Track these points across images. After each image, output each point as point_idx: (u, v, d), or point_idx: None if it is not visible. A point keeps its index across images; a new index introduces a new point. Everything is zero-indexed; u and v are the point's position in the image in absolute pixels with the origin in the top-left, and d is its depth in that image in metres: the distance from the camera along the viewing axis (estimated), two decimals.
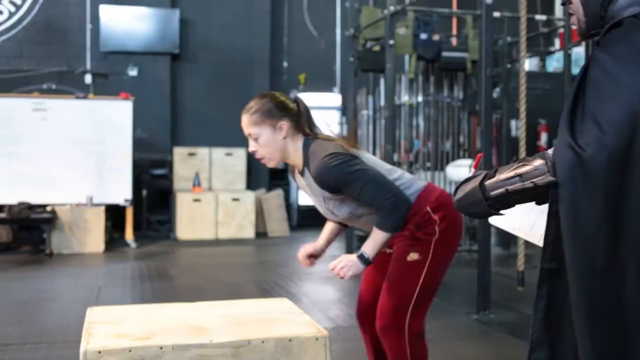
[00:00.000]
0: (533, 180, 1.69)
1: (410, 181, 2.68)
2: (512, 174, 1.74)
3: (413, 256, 2.60)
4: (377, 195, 2.53)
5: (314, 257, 2.90)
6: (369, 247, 2.57)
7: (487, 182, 1.78)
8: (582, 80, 1.68)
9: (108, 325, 2.48)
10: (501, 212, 1.81)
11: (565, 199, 1.61)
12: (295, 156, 2.65)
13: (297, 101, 2.72)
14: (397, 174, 2.68)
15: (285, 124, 2.61)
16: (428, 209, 2.62)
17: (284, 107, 2.64)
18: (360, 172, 2.54)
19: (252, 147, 2.66)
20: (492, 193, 1.76)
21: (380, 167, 2.66)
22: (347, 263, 2.60)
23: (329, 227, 2.92)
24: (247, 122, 2.64)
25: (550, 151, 1.74)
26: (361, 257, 2.58)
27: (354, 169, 2.54)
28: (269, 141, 2.62)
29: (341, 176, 2.53)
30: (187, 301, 3.08)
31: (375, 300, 2.74)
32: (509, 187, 1.73)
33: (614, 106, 1.55)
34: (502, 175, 1.76)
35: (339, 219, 2.73)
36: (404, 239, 2.62)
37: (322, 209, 2.75)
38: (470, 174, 1.89)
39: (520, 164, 1.75)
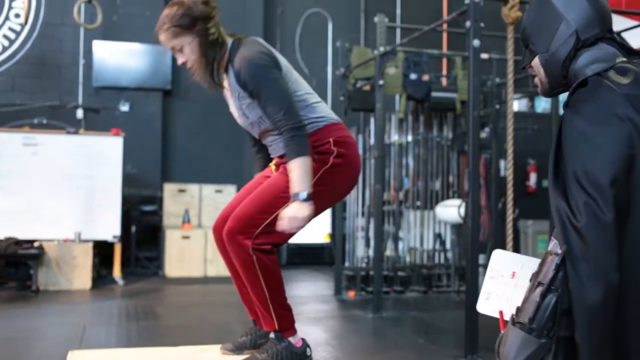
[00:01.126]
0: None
1: (322, 110, 2.70)
2: (537, 296, 1.62)
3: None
4: (276, 112, 2.51)
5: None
6: (296, 184, 2.49)
7: (523, 320, 1.63)
8: (558, 141, 1.68)
9: None
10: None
11: (572, 277, 1.56)
12: (220, 55, 2.65)
13: (206, 2, 2.67)
14: (315, 100, 2.72)
15: (202, 26, 2.62)
16: (331, 140, 2.64)
17: (192, 11, 2.64)
18: (274, 82, 2.54)
19: (180, 59, 2.66)
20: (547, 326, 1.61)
21: (301, 86, 2.71)
22: (289, 215, 2.51)
23: (257, 162, 3.05)
24: (164, 38, 2.65)
25: (551, 245, 1.67)
26: (296, 198, 2.49)
27: (271, 76, 2.54)
28: (194, 48, 2.62)
29: (257, 77, 2.54)
30: (174, 342, 3.05)
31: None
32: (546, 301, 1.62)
33: (595, 167, 1.55)
34: (531, 307, 1.63)
35: (250, 122, 2.72)
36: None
37: (237, 112, 2.76)
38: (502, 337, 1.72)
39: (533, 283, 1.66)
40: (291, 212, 2.51)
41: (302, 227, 2.54)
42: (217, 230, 2.78)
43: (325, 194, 2.64)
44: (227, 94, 2.76)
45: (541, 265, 1.66)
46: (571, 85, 1.73)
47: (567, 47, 1.75)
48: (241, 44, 2.67)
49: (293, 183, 2.50)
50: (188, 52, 2.62)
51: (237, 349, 2.83)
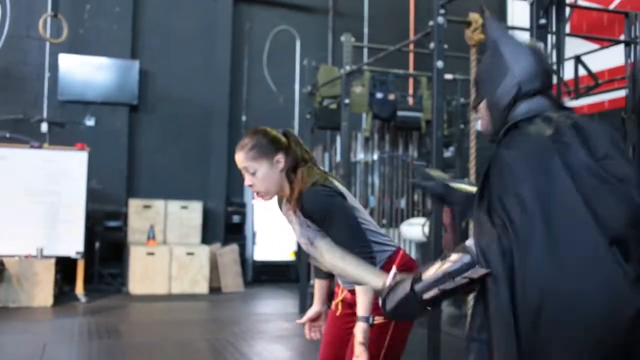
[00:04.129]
0: (466, 275, 1.79)
1: (385, 240, 2.69)
2: (440, 273, 1.83)
3: (378, 319, 2.51)
4: (348, 243, 2.44)
5: (316, 321, 2.92)
6: (362, 309, 2.49)
7: (417, 287, 1.85)
8: (487, 170, 1.89)
9: None
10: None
11: (495, 287, 1.75)
12: (290, 191, 2.66)
13: (286, 134, 2.72)
14: (374, 227, 2.68)
15: (281, 158, 2.63)
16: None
17: (276, 141, 2.66)
18: (343, 212, 2.55)
19: (249, 181, 2.65)
20: (426, 296, 1.83)
21: (362, 213, 2.67)
22: (361, 341, 2.46)
23: (318, 285, 2.94)
24: (243, 157, 2.63)
25: (469, 242, 1.84)
26: (363, 321, 2.47)
27: (337, 206, 2.56)
28: (266, 175, 2.62)
29: (324, 208, 2.55)
30: None
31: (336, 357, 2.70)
32: (442, 287, 1.82)
33: (515, 199, 1.76)
34: (430, 277, 1.85)
35: (315, 250, 2.56)
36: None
37: (302, 239, 2.71)
38: (391, 280, 1.94)
39: (443, 261, 1.85)
40: (360, 340, 2.45)
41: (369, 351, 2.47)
42: None
43: (406, 326, 2.69)
44: (291, 217, 2.73)
45: (455, 252, 1.86)
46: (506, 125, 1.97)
47: (509, 96, 1.98)
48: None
49: (359, 306, 2.51)
50: (260, 177, 2.63)
51: None
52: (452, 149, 8.40)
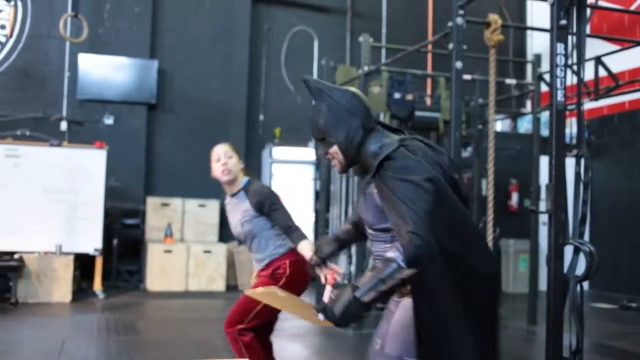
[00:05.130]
0: (395, 277, 2.22)
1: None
2: (375, 280, 2.23)
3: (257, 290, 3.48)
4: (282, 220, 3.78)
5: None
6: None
7: (358, 293, 2.23)
8: (385, 190, 2.36)
9: None
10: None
11: (419, 281, 2.27)
12: (236, 183, 3.91)
13: None
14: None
15: (242, 164, 3.97)
16: (288, 262, 3.81)
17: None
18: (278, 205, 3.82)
19: (223, 161, 3.84)
20: (366, 299, 2.23)
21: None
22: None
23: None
24: (228, 146, 3.92)
25: (390, 254, 2.25)
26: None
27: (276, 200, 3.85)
28: (235, 164, 3.89)
29: (268, 197, 3.80)
30: (154, 357, 3.05)
31: None
32: (380, 289, 2.22)
33: (416, 197, 2.29)
34: (366, 283, 2.24)
35: (242, 231, 3.84)
36: (262, 278, 3.82)
37: (235, 220, 3.87)
38: (328, 296, 2.45)
39: (374, 271, 2.26)
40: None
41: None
42: None
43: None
44: (230, 207, 3.96)
45: (382, 263, 2.26)
46: (364, 161, 2.48)
47: (359, 135, 2.48)
48: (252, 182, 3.94)
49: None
50: (231, 163, 3.90)
51: None
52: (470, 149, 8.37)
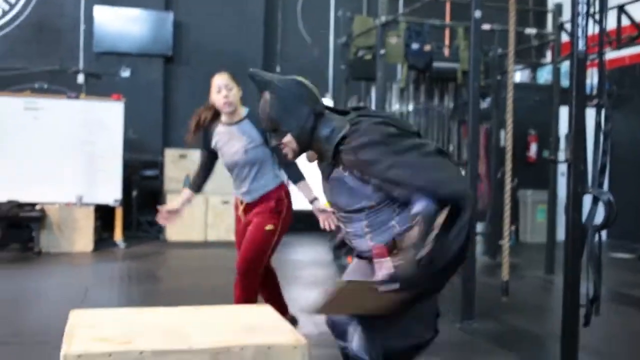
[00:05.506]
0: (438, 220, 2.37)
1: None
2: (424, 233, 2.35)
3: (270, 227, 3.82)
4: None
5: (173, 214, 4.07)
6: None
7: (419, 252, 2.32)
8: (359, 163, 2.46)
9: (90, 328, 2.51)
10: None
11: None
12: (237, 113, 3.88)
13: None
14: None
15: (241, 92, 3.90)
16: (283, 194, 3.88)
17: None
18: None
19: (225, 93, 3.79)
20: (425, 252, 2.34)
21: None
22: (326, 212, 3.88)
23: (187, 194, 4.15)
24: (228, 77, 3.86)
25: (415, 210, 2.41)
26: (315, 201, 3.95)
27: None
28: (236, 95, 3.83)
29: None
30: (173, 304, 3.10)
31: None
32: (431, 239, 2.33)
33: (399, 159, 2.43)
34: (419, 240, 2.34)
35: (243, 158, 3.83)
36: (265, 214, 3.82)
37: (235, 148, 3.83)
38: (384, 266, 2.46)
39: (417, 224, 2.38)
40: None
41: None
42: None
43: (282, 234, 3.92)
44: (233, 135, 3.89)
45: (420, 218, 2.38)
46: (318, 146, 2.57)
47: (311, 122, 2.56)
48: (251, 111, 3.93)
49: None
50: (232, 94, 3.87)
51: None
52: (488, 99, 8.30)
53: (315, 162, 2.69)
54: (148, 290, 6.13)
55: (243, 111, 3.92)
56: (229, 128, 3.89)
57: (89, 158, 8.42)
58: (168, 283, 6.58)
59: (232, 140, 3.86)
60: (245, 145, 3.81)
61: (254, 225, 3.85)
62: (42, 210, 7.86)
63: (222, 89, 3.81)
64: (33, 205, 7.93)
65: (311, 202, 3.89)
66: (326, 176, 2.62)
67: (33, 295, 5.76)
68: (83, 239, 7.98)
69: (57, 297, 5.75)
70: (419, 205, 2.37)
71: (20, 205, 7.84)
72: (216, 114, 3.95)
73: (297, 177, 3.88)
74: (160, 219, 4.03)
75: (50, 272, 6.83)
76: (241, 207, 3.99)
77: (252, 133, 3.83)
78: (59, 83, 9.50)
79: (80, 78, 9.63)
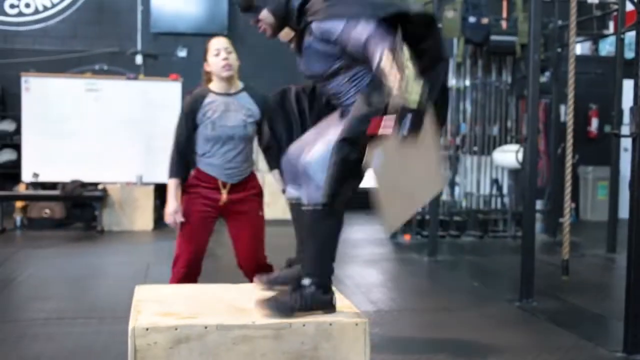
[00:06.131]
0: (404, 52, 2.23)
1: None
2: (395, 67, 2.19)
3: (261, 213, 3.71)
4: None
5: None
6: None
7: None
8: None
9: (155, 303, 2.58)
10: None
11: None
12: (235, 82, 3.60)
13: None
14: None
15: (239, 62, 3.64)
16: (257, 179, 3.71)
17: None
18: None
19: (225, 55, 3.52)
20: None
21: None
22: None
23: (175, 185, 3.66)
24: (227, 41, 3.62)
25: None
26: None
27: None
28: (235, 60, 3.57)
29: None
30: (232, 281, 3.16)
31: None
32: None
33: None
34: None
35: (241, 133, 3.53)
36: (256, 198, 3.66)
37: (235, 121, 3.52)
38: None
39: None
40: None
41: None
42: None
43: None
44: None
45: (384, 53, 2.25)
46: (292, 17, 2.52)
47: None
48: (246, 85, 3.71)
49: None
50: (233, 58, 3.60)
51: (269, 283, 2.88)
52: (547, 73, 8.11)
53: (291, 44, 2.63)
54: (208, 267, 6.17)
55: (239, 83, 3.63)
56: (225, 98, 3.54)
57: (148, 138, 8.58)
58: (227, 260, 6.62)
59: (229, 111, 3.51)
60: (246, 119, 3.51)
61: (253, 217, 3.64)
62: (104, 190, 8.07)
63: (221, 52, 3.52)
64: (95, 184, 8.15)
65: (284, 191, 3.56)
66: (299, 50, 2.58)
67: (97, 273, 5.94)
68: (143, 217, 8.17)
69: (121, 273, 5.91)
70: (376, 50, 2.24)
71: (84, 185, 8.06)
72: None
73: (276, 163, 3.49)
74: (172, 223, 3.67)
75: (113, 250, 7.03)
76: (224, 190, 3.59)
77: (252, 107, 3.55)
78: (118, 64, 9.68)
79: (139, 59, 9.78)
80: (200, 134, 3.55)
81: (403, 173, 2.21)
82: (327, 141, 2.44)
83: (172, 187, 3.58)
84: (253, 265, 3.58)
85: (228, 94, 3.55)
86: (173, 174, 3.61)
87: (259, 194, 3.66)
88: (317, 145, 2.49)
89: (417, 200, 2.41)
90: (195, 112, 3.54)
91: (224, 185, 3.57)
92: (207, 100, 3.53)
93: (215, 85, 3.57)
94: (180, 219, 3.58)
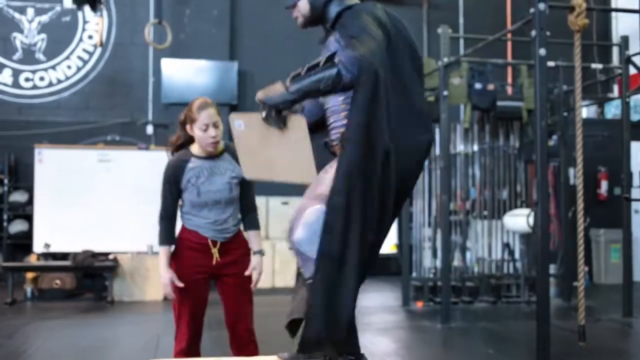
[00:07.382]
0: (332, 83, 2.44)
1: None
2: (310, 80, 2.49)
3: (248, 273, 3.54)
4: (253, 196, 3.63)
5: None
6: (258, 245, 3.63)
7: (291, 87, 2.49)
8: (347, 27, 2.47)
9: None
10: None
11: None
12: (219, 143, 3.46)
13: None
14: None
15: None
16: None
17: None
18: None
19: (214, 133, 3.38)
20: (294, 96, 2.52)
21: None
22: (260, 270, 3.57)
23: (166, 252, 3.47)
24: (215, 112, 3.44)
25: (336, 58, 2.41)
26: (260, 254, 3.59)
27: None
28: (221, 129, 3.45)
29: None
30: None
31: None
32: (311, 89, 2.49)
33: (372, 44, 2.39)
34: (301, 81, 2.50)
35: (227, 196, 3.46)
36: (247, 258, 3.54)
37: (220, 185, 3.44)
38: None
39: (314, 69, 2.54)
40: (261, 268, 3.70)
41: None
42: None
43: None
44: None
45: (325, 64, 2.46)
46: (326, 20, 2.61)
47: None
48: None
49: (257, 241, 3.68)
50: (219, 131, 3.48)
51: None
52: (555, 137, 8.17)
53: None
54: (220, 337, 6.15)
55: (221, 144, 3.50)
56: (208, 163, 3.45)
57: (158, 207, 8.59)
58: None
59: (214, 175, 3.42)
60: (231, 181, 3.45)
61: (246, 281, 3.56)
62: (115, 260, 8.07)
63: (209, 128, 3.39)
64: (106, 254, 8.16)
65: (255, 253, 3.57)
66: (323, 43, 2.67)
67: (107, 344, 5.88)
68: (154, 287, 8.13)
69: (131, 345, 5.85)
70: (338, 61, 2.36)
71: (95, 255, 8.07)
72: (183, 145, 3.55)
73: (254, 224, 3.61)
74: (169, 294, 3.51)
75: (123, 321, 6.98)
76: (215, 249, 3.45)
77: (235, 168, 3.42)
78: (129, 134, 9.83)
79: (150, 129, 9.94)
80: (186, 199, 3.46)
81: (262, 144, 2.53)
82: (316, 205, 2.51)
83: (164, 257, 3.42)
84: (243, 329, 3.69)
85: (211, 158, 3.45)
86: (163, 241, 3.45)
87: (248, 252, 3.56)
88: (306, 214, 2.51)
89: (277, 173, 2.63)
90: (179, 179, 3.43)
91: (214, 244, 3.44)
92: (190, 165, 3.43)
93: (197, 150, 3.47)
94: (178, 284, 3.41)
